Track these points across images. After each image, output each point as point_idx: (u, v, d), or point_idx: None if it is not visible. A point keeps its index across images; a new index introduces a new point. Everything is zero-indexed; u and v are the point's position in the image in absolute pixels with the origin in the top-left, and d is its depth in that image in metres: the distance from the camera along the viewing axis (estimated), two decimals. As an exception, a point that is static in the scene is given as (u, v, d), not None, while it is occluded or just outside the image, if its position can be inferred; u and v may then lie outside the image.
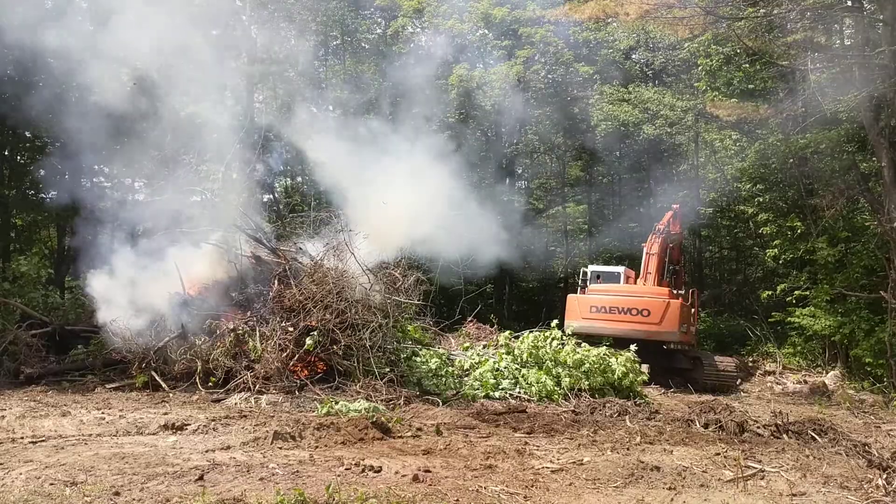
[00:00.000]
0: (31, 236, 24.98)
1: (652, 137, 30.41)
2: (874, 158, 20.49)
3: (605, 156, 38.65)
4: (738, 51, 24.74)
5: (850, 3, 19.63)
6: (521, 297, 39.42)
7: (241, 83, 28.82)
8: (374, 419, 9.04)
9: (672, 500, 6.65)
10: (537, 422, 10.48)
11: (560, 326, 15.49)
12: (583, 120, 32.71)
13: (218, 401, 11.42)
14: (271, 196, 29.22)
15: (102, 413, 9.82)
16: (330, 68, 31.88)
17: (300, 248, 14.59)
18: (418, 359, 13.92)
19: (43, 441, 7.91)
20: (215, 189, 17.68)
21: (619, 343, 16.90)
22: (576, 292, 21.07)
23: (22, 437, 8.05)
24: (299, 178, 34.23)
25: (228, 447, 7.82)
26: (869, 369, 20.33)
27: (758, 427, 10.95)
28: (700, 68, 27.96)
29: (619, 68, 32.64)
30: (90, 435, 8.39)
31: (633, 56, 32.42)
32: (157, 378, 12.24)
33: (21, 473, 6.24)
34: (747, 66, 25.26)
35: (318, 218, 16.03)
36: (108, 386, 12.35)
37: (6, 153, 22.72)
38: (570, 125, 33.69)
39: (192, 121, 21.79)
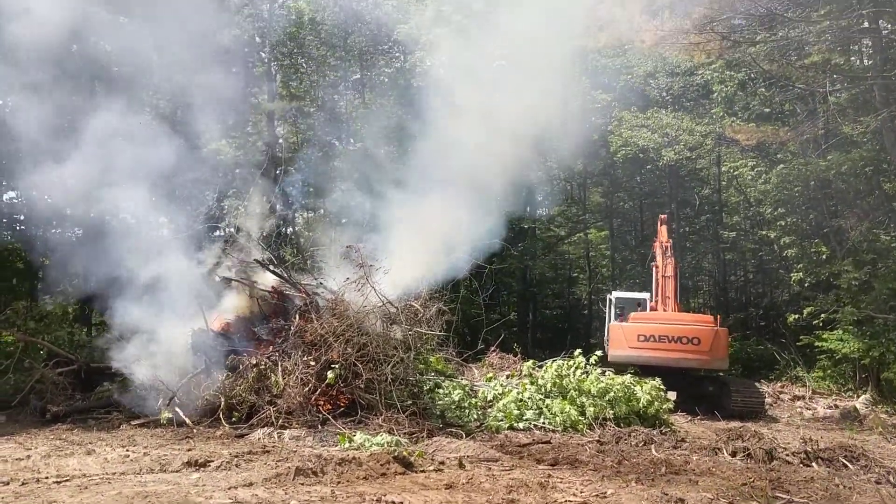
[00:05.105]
0: (58, 275, 25.28)
1: (672, 162, 30.34)
2: (897, 179, 20.35)
3: (625, 181, 38.65)
4: (753, 75, 24.74)
5: (867, 25, 19.58)
6: (544, 324, 39.30)
7: (262, 119, 29.25)
8: (396, 453, 9.00)
9: (698, 532, 6.55)
10: (561, 453, 10.38)
11: (583, 354, 15.32)
12: (602, 146, 32.72)
13: (241, 436, 11.45)
14: (292, 229, 29.42)
15: (127, 450, 9.89)
16: (349, 102, 32.21)
17: (321, 282, 14.65)
18: (441, 391, 13.87)
19: (67, 481, 7.96)
20: (238, 224, 17.86)
21: (666, 373, 16.71)
22: (601, 320, 20.87)
23: (46, 477, 8.11)
24: (321, 211, 34.49)
25: (251, 483, 7.82)
26: (901, 392, 20.00)
27: (787, 455, 10.76)
28: (716, 94, 27.95)
29: (638, 94, 32.72)
30: (114, 473, 8.43)
31: (651, 82, 32.45)
32: (181, 414, 12.29)
33: (45, 514, 6.28)
34: (763, 90, 25.22)
35: (338, 251, 16.08)
36: (132, 423, 12.43)
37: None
38: (589, 151, 33.71)
39: (214, 157, 22.11)
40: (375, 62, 31.90)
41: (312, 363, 12.45)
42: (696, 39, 20.38)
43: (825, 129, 22.66)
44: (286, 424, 11.68)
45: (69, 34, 14.98)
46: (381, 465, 8.60)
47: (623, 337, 18.90)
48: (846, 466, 9.86)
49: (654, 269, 21.61)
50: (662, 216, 22.49)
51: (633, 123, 29.89)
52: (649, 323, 18.98)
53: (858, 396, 21.07)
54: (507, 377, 16.57)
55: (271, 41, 28.43)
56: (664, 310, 20.22)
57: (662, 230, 21.56)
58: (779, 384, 23.81)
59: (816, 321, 23.32)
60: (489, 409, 13.69)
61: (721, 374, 20.16)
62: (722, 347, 18.28)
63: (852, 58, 23.19)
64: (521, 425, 13.00)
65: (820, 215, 24.38)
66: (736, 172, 28.41)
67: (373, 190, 19.51)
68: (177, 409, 12.40)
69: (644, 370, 17.65)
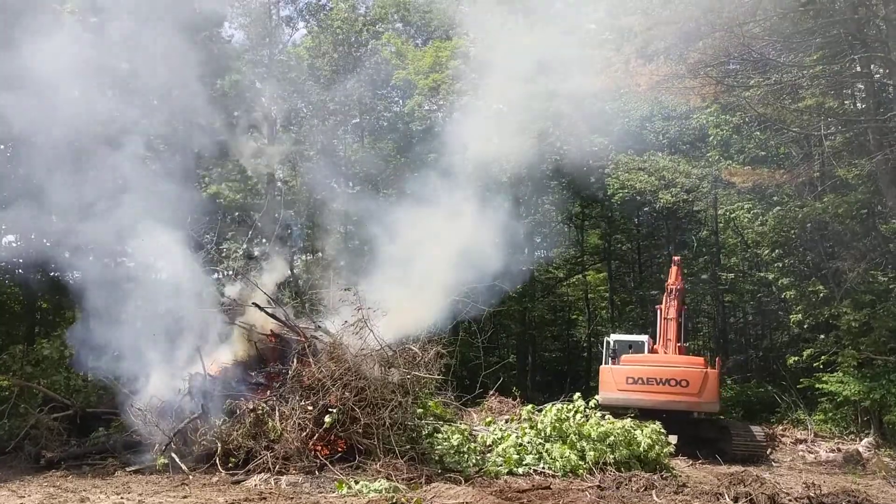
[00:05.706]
0: (56, 318, 25.20)
1: (669, 205, 30.47)
2: (894, 221, 20.44)
3: (623, 224, 38.79)
4: (748, 119, 24.98)
5: (859, 69, 19.85)
6: (544, 366, 39.12)
7: (262, 162, 29.44)
8: (394, 500, 8.91)
9: (701, 581, 6.45)
10: (561, 499, 10.27)
11: (582, 397, 15.24)
12: (599, 188, 32.91)
13: (238, 482, 11.31)
14: (291, 272, 29.39)
15: (121, 498, 9.76)
16: (349, 146, 32.44)
17: (319, 326, 14.61)
18: (440, 435, 13.73)
19: (61, 529, 7.85)
20: (236, 268, 17.87)
21: (655, 415, 16.60)
22: (600, 362, 20.76)
23: (40, 526, 8.01)
24: (319, 254, 34.53)
25: (247, 532, 7.71)
26: (903, 435, 19.83)
27: (789, 500, 10.67)
28: (711, 138, 28.19)
29: (634, 137, 32.99)
30: (108, 522, 8.32)
31: (648, 126, 32.73)
32: (177, 460, 12.15)
33: (37, 564, 6.18)
34: (758, 133, 25.46)
35: (336, 294, 16.08)
36: (127, 469, 12.29)
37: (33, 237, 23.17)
38: (586, 194, 33.97)
39: (213, 200, 22.21)
40: (374, 106, 32.25)
41: (310, 408, 12.36)
42: (691, 84, 20.62)
43: (821, 171, 22.83)
44: (283, 470, 11.55)
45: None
46: (379, 512, 8.50)
47: (612, 379, 18.91)
48: (849, 512, 9.76)
49: (658, 311, 21.55)
50: (676, 258, 22.46)
51: (629, 166, 30.08)
52: (638, 365, 18.97)
53: (861, 439, 20.89)
54: (507, 421, 16.42)
55: (271, 85, 28.74)
56: (665, 352, 20.14)
57: (672, 272, 21.57)
58: (780, 427, 23.62)
59: (817, 363, 23.23)
60: (488, 454, 13.55)
61: (721, 417, 20.00)
62: (711, 390, 18.16)
63: (846, 101, 23.43)
64: (520, 470, 12.87)
65: (817, 257, 24.45)
66: (733, 214, 28.53)
67: (371, 231, 19.58)
68: (173, 454, 12.27)
69: (640, 413, 17.55)
